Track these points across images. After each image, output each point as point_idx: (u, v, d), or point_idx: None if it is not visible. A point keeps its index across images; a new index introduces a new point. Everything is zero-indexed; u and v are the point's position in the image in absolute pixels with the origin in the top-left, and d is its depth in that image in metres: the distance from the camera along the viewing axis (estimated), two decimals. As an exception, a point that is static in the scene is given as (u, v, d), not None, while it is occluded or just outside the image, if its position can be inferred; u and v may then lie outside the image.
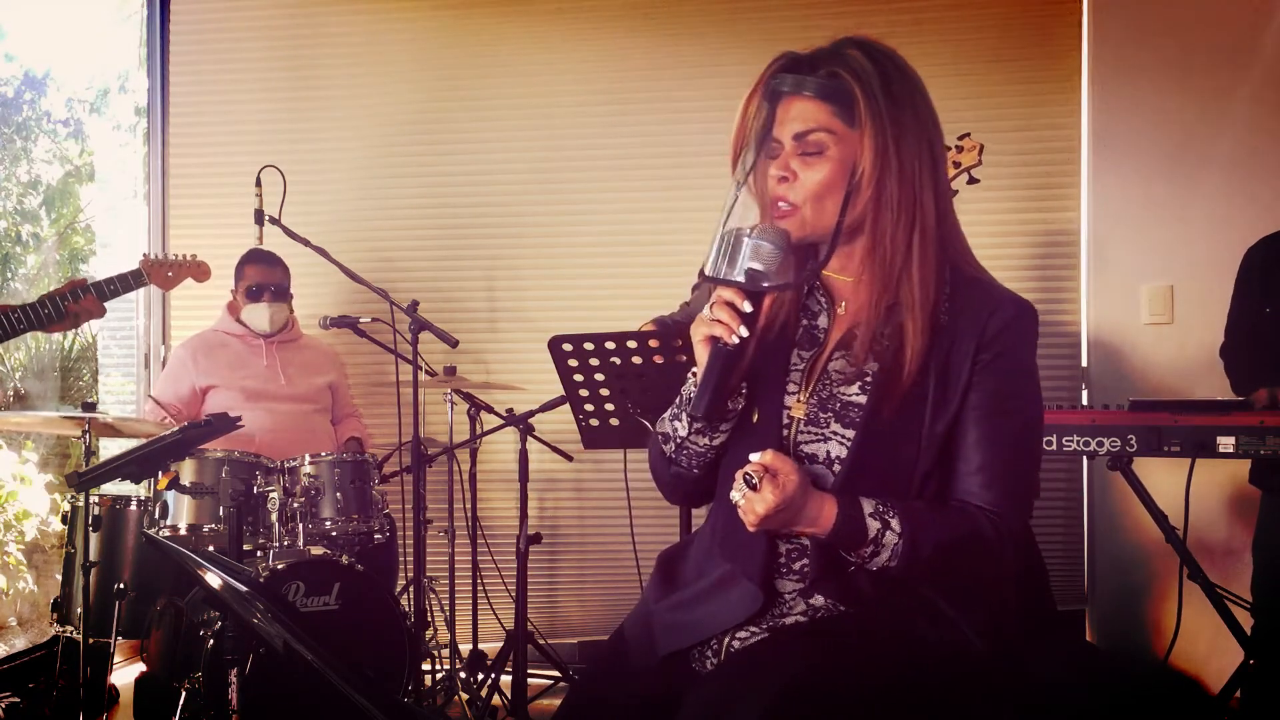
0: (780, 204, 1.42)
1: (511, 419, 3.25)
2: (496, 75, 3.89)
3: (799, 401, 1.46)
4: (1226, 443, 2.35)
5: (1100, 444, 2.43)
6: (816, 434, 1.43)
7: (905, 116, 1.42)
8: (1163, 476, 2.88)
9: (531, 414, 3.20)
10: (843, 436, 1.41)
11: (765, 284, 1.37)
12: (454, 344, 3.18)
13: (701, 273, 1.41)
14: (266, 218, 3.29)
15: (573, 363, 2.53)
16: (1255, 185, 3.48)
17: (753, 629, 1.44)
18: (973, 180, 2.75)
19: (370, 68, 3.93)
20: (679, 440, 1.50)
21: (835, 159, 1.41)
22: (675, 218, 3.76)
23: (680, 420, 1.49)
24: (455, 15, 3.92)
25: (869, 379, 1.42)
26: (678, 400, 1.52)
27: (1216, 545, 3.33)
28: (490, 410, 3.38)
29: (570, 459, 3.47)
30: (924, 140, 1.44)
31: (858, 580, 1.40)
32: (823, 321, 1.50)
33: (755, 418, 1.47)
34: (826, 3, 3.75)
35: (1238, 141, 3.51)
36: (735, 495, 1.33)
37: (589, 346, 2.50)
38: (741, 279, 1.36)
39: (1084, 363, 3.69)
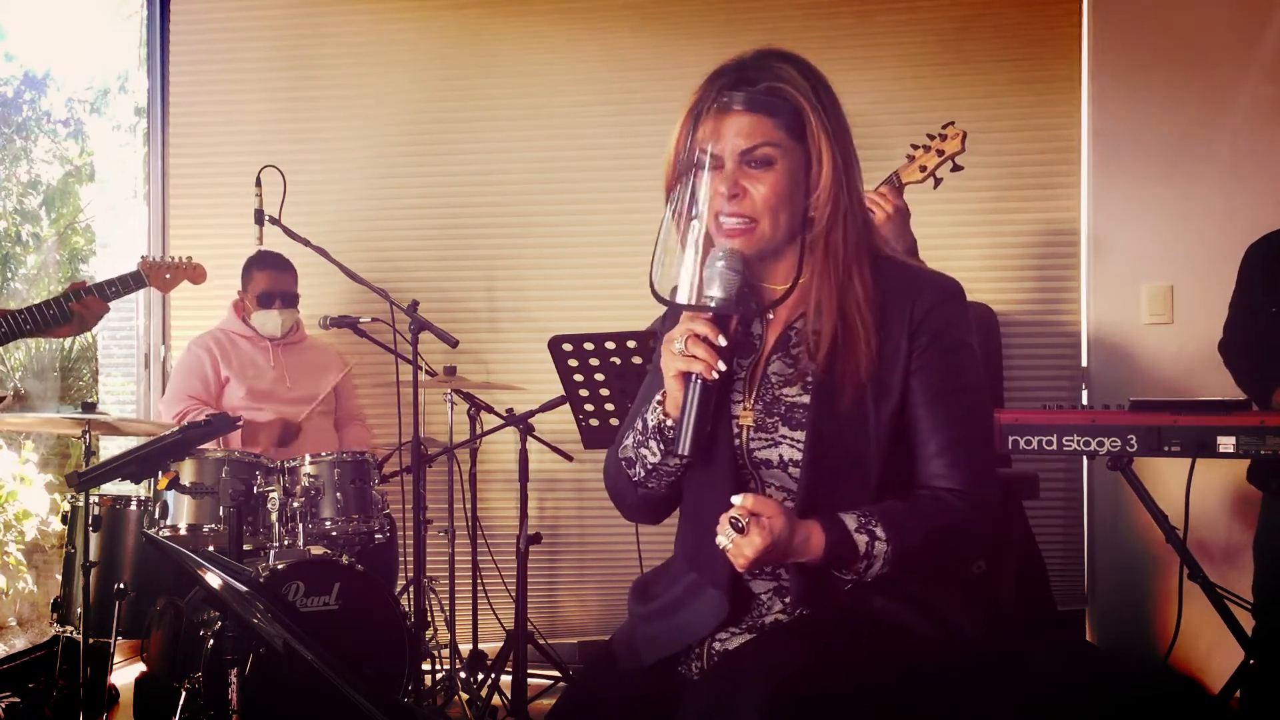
0: (733, 220, 1.42)
1: (511, 419, 3.25)
2: (497, 75, 3.89)
3: (745, 409, 1.46)
4: (1227, 443, 2.35)
5: (1100, 444, 2.42)
6: (766, 439, 1.44)
7: (837, 124, 1.44)
8: (1163, 476, 2.88)
9: (531, 414, 3.20)
10: (792, 439, 1.42)
11: (737, 309, 1.39)
12: (454, 344, 3.18)
13: (654, 293, 1.42)
14: (266, 218, 3.29)
15: (573, 363, 2.53)
16: (1255, 185, 3.48)
17: (731, 630, 1.45)
18: (956, 168, 2.75)
19: (371, 68, 3.93)
20: (650, 466, 1.48)
21: (781, 171, 1.41)
22: (675, 217, 3.75)
23: (648, 447, 1.47)
24: (456, 15, 3.92)
25: (809, 379, 1.43)
26: (639, 426, 1.49)
27: (1217, 545, 3.32)
28: (490, 410, 3.38)
29: (570, 459, 3.47)
30: (851, 145, 1.46)
31: (836, 592, 1.41)
32: (755, 327, 1.51)
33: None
34: (826, 3, 3.74)
35: (1238, 141, 3.51)
36: (722, 540, 1.33)
37: (589, 346, 2.50)
38: (709, 303, 1.38)
39: (1084, 363, 3.69)
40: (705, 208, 1.42)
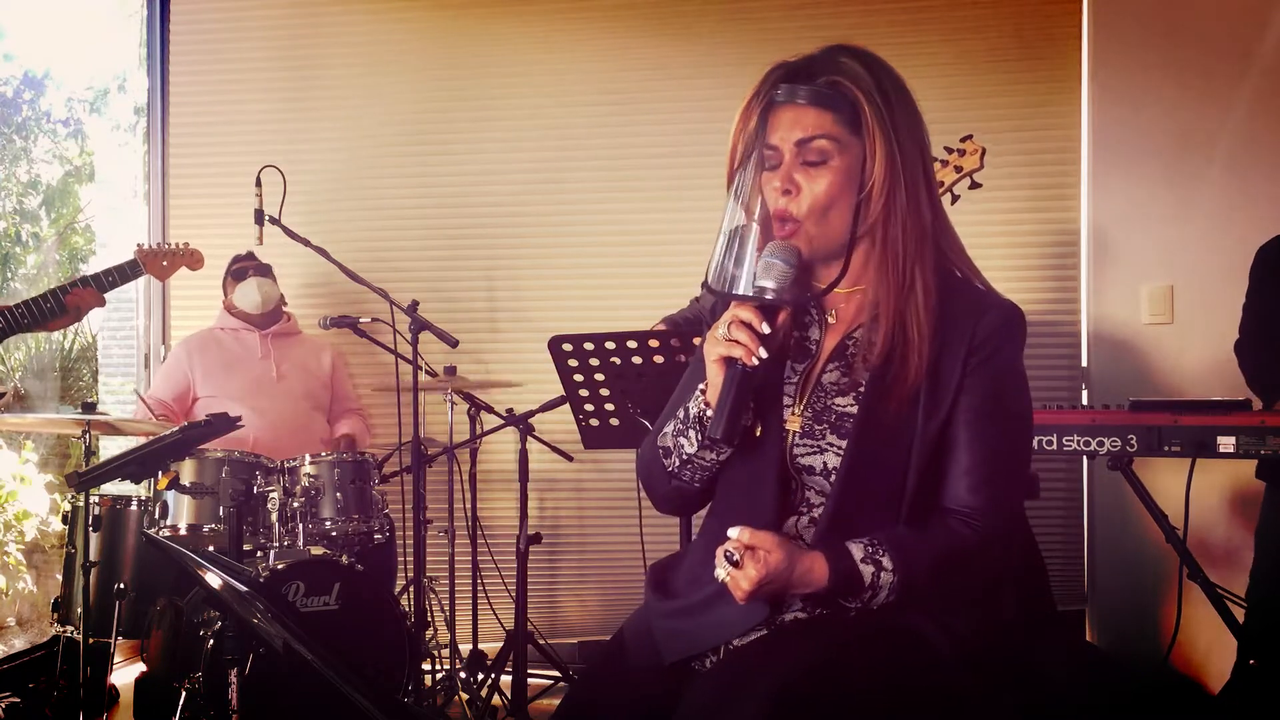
0: (784, 221, 1.41)
1: (511, 419, 3.25)
2: (496, 75, 3.89)
3: (794, 415, 1.46)
4: (1227, 443, 2.35)
5: (1100, 444, 2.42)
6: (812, 446, 1.43)
7: (902, 122, 1.42)
8: (1163, 476, 2.88)
9: (531, 414, 3.20)
10: (838, 447, 1.41)
11: (785, 299, 1.37)
12: (454, 344, 3.18)
13: (707, 285, 1.41)
14: (266, 217, 3.29)
15: (573, 363, 2.53)
16: (1255, 185, 3.48)
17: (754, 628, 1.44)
18: (974, 185, 2.75)
19: (370, 68, 3.93)
20: (685, 456, 1.47)
21: (838, 168, 1.40)
22: (675, 217, 3.76)
23: (687, 437, 1.46)
24: (455, 15, 3.92)
25: (862, 389, 1.42)
26: (681, 415, 1.48)
27: (1217, 545, 3.32)
28: (490, 410, 3.38)
29: (570, 459, 3.47)
30: (920, 145, 1.44)
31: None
32: (814, 334, 1.50)
33: (759, 431, 1.46)
34: (827, 3, 3.74)
35: (1238, 141, 3.51)
36: (720, 573, 1.33)
37: (589, 346, 2.50)
38: (760, 295, 1.36)
39: (1084, 363, 3.69)
40: (760, 201, 1.42)
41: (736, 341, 1.36)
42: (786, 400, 1.47)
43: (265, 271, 3.57)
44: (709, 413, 1.42)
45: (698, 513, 1.62)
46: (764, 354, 1.35)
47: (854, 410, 1.41)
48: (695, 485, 1.51)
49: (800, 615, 1.43)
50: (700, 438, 1.44)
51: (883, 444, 1.40)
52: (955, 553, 1.38)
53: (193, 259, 3.25)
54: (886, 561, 1.35)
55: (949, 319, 1.42)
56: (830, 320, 1.49)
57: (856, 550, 1.36)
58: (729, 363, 1.37)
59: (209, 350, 3.49)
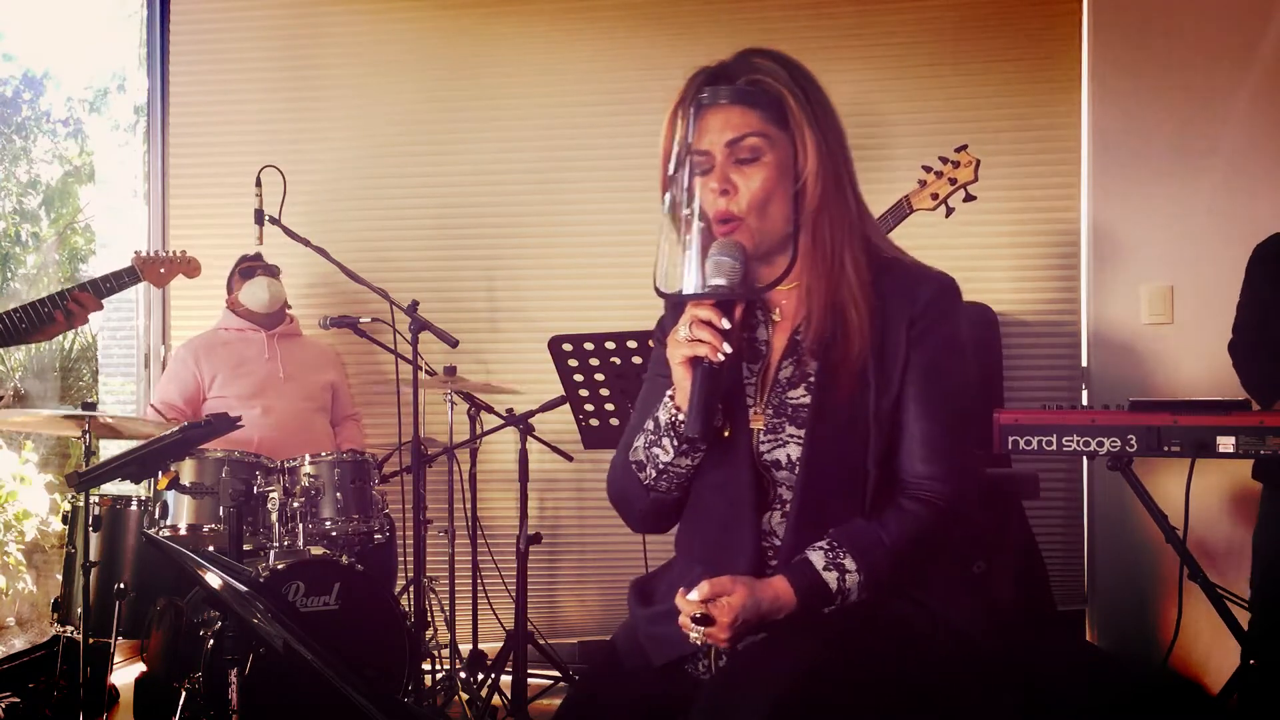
0: (726, 220, 1.43)
1: (511, 419, 3.24)
2: (496, 75, 3.89)
3: (757, 414, 1.48)
4: (1226, 443, 2.34)
5: (1100, 444, 2.42)
6: (775, 441, 1.46)
7: (822, 114, 1.45)
8: (1163, 476, 2.87)
9: (531, 414, 3.20)
10: (799, 438, 1.43)
11: (740, 292, 1.39)
12: (454, 344, 3.18)
13: (657, 291, 1.43)
14: (266, 218, 3.29)
15: (573, 363, 2.53)
16: (1255, 185, 3.48)
17: None
18: (969, 198, 2.75)
19: (370, 68, 3.93)
20: (661, 466, 1.49)
21: (770, 163, 1.43)
22: (675, 217, 3.75)
23: (661, 445, 1.48)
24: (455, 15, 3.91)
25: (812, 379, 1.44)
26: (651, 426, 1.49)
27: (1217, 545, 3.32)
28: (490, 410, 3.38)
29: (570, 459, 3.47)
30: (839, 135, 1.48)
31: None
32: (762, 334, 1.52)
33: (726, 432, 1.48)
34: (826, 4, 3.74)
35: (1238, 141, 3.51)
36: (694, 638, 1.36)
37: (589, 346, 2.50)
38: (716, 292, 1.38)
39: (1084, 363, 3.69)
40: (698, 205, 1.44)
41: (700, 340, 1.37)
42: (748, 401, 1.49)
43: (274, 272, 3.57)
44: (680, 417, 1.43)
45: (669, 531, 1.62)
46: (728, 349, 1.37)
47: (808, 400, 1.44)
48: (674, 494, 1.53)
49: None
50: (676, 443, 1.45)
51: (839, 429, 1.42)
52: (914, 535, 1.41)
53: (190, 267, 3.26)
54: (849, 563, 1.38)
55: (887, 296, 1.45)
56: (776, 318, 1.52)
57: (818, 559, 1.39)
58: (695, 363, 1.39)
59: (216, 351, 3.49)
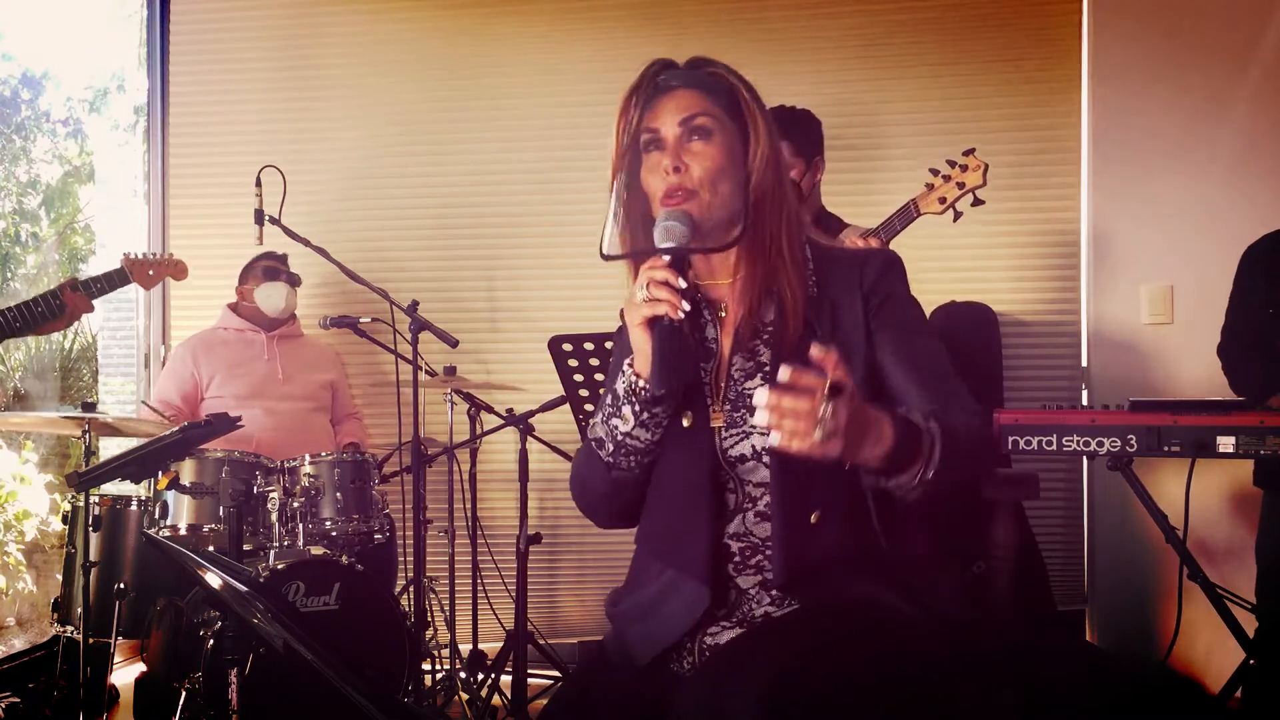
0: (673, 193, 1.46)
1: (511, 419, 3.24)
2: (496, 75, 3.89)
3: (716, 411, 1.49)
4: (1226, 443, 2.34)
5: (1100, 444, 2.42)
6: (737, 434, 1.46)
7: (766, 114, 1.51)
8: (1163, 476, 2.87)
9: (531, 414, 3.20)
10: (760, 428, 1.42)
11: (693, 248, 1.42)
12: (454, 344, 3.18)
13: (603, 255, 1.50)
14: (266, 218, 3.29)
15: (573, 363, 2.53)
16: (1255, 185, 3.49)
17: (723, 624, 1.45)
18: (977, 202, 2.73)
19: (370, 68, 3.93)
20: (620, 437, 1.49)
21: (721, 144, 1.48)
22: (675, 218, 3.76)
23: (621, 415, 1.48)
24: (455, 15, 3.92)
25: (767, 367, 1.46)
26: (609, 400, 1.51)
27: (1217, 545, 3.32)
28: (490, 410, 3.38)
29: (570, 459, 3.46)
30: (778, 137, 1.53)
31: (817, 574, 1.41)
32: (710, 332, 1.54)
33: (686, 422, 1.49)
34: (826, 4, 3.74)
35: (1237, 141, 3.51)
36: (776, 438, 1.21)
37: (589, 346, 2.50)
38: (670, 250, 1.41)
39: (1084, 363, 3.69)
40: (651, 184, 1.50)
41: (658, 300, 1.38)
42: (706, 399, 1.50)
43: (296, 281, 3.57)
44: (640, 382, 1.45)
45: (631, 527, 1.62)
46: (687, 306, 1.38)
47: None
48: (634, 473, 1.52)
49: (770, 610, 1.43)
50: (636, 409, 1.46)
51: None
52: (977, 425, 1.42)
53: (177, 269, 3.29)
54: (934, 427, 1.36)
55: (831, 277, 1.50)
56: (722, 314, 1.54)
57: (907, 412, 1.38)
58: (655, 322, 1.39)
59: (215, 351, 3.49)
